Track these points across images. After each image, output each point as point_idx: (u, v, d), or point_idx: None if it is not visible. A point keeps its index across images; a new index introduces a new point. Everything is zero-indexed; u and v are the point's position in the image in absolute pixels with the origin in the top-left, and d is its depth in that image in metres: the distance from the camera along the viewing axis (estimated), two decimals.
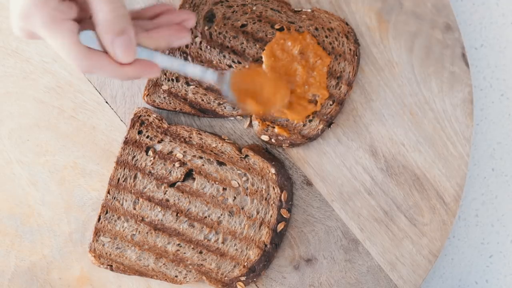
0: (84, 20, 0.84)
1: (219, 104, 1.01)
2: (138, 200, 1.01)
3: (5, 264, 1.04)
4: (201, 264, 1.02)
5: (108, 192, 1.01)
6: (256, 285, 1.04)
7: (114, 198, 1.02)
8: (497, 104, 1.08)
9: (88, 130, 1.04)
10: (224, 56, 1.01)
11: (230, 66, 1.01)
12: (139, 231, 1.02)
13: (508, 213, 1.09)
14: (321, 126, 1.01)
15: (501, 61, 1.08)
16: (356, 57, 1.01)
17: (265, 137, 1.01)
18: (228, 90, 0.92)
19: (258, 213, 1.01)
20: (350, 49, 1.01)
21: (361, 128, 1.03)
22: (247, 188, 1.01)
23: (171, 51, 1.01)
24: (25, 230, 1.04)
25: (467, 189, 1.08)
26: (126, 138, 1.01)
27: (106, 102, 1.04)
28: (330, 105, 1.01)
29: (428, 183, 1.03)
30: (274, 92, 0.95)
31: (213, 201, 1.01)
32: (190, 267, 1.02)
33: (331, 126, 1.02)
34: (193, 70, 0.90)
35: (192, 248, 1.02)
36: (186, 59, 1.01)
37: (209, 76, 0.90)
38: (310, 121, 1.01)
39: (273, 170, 1.01)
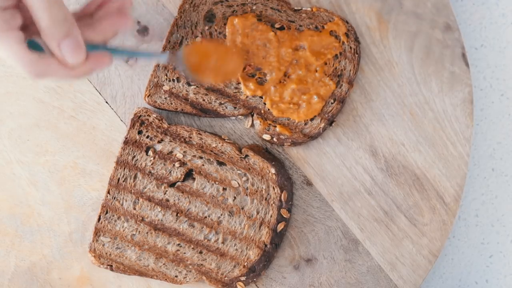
0: (31, 26, 0.83)
1: (220, 104, 1.02)
2: (138, 200, 1.01)
3: (5, 264, 1.04)
4: (201, 264, 1.02)
5: (108, 192, 1.01)
6: (256, 285, 1.04)
7: (114, 198, 1.02)
8: (497, 104, 1.08)
9: (88, 130, 1.04)
10: None
11: None
12: (139, 231, 1.02)
13: (508, 213, 1.09)
14: (322, 125, 1.01)
15: (501, 61, 1.08)
16: (357, 55, 1.01)
17: (266, 136, 1.01)
18: (182, 67, 0.92)
19: (258, 213, 1.01)
20: (350, 47, 1.01)
21: (361, 128, 1.03)
22: (247, 188, 1.01)
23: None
24: (25, 230, 1.04)
25: (467, 189, 1.08)
26: (126, 138, 1.01)
27: (106, 102, 1.04)
28: (332, 103, 1.01)
29: (428, 183, 1.03)
30: (228, 61, 0.95)
31: (213, 201, 1.01)
32: (190, 267, 1.02)
33: (332, 124, 1.02)
34: (144, 54, 0.90)
35: (192, 248, 1.02)
36: None
37: (161, 58, 0.91)
38: (312, 119, 1.01)
39: (273, 170, 1.01)
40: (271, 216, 1.01)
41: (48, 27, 0.79)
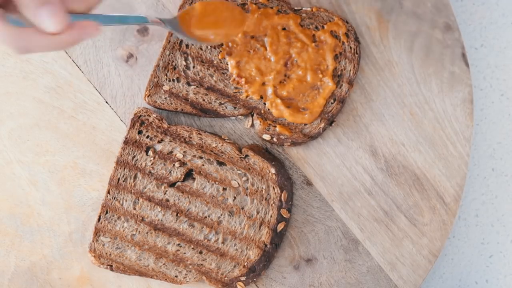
0: (7, 6, 0.79)
1: (220, 104, 1.02)
2: (138, 200, 1.01)
3: (5, 264, 1.04)
4: (201, 264, 1.02)
5: (108, 192, 1.01)
6: (256, 285, 1.04)
7: (114, 198, 1.02)
8: (497, 104, 1.08)
9: (88, 130, 1.04)
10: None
11: None
12: (139, 231, 1.02)
13: (508, 213, 1.09)
14: (322, 125, 1.01)
15: (501, 61, 1.08)
16: (357, 55, 1.01)
17: (266, 136, 1.01)
18: (178, 30, 0.90)
19: (258, 213, 1.01)
20: (350, 47, 1.01)
21: (361, 128, 1.03)
22: (247, 188, 1.01)
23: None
24: (25, 230, 1.04)
25: (467, 189, 1.08)
26: (126, 138, 1.01)
27: (106, 102, 1.04)
28: (332, 103, 1.01)
29: (428, 183, 1.03)
30: (228, 16, 0.93)
31: (213, 201, 1.01)
32: (190, 267, 1.02)
33: (332, 124, 1.02)
34: (135, 20, 0.87)
35: (192, 248, 1.02)
36: (186, 59, 1.01)
37: (152, 23, 0.88)
38: None
39: (273, 170, 1.01)
40: (271, 216, 1.01)
41: None
